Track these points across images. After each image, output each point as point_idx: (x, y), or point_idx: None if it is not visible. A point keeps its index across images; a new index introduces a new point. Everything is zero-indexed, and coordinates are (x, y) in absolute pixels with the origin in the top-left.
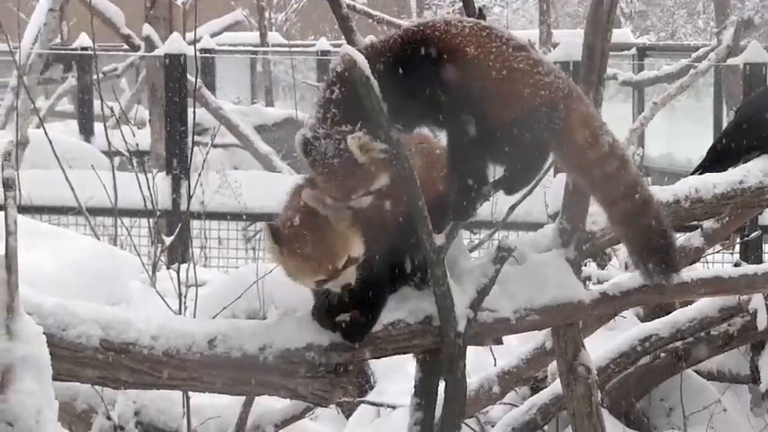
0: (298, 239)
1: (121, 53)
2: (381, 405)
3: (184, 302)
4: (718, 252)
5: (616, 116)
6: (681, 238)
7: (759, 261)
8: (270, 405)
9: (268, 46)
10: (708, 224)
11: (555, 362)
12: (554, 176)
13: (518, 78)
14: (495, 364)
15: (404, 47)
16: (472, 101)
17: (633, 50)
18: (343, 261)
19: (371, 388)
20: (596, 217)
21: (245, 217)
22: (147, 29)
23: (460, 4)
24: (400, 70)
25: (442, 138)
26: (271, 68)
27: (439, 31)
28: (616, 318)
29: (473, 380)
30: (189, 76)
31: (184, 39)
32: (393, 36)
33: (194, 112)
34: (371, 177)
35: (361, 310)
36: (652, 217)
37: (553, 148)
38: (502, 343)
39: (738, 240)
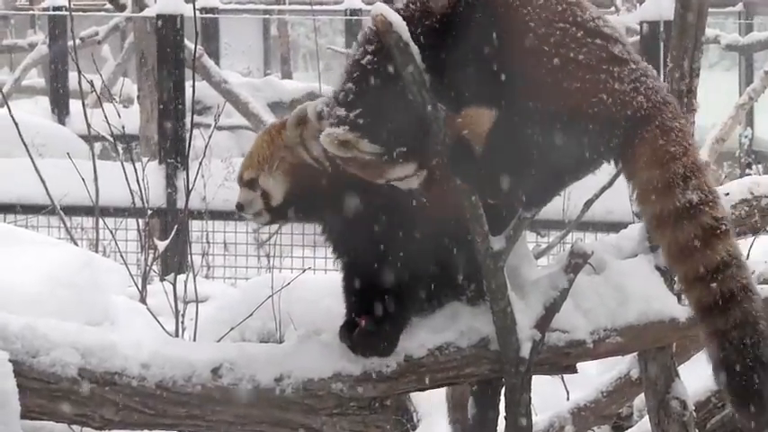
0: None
1: (103, 14)
2: None
3: (182, 322)
4: None
5: (718, 88)
6: None
7: None
8: None
9: (285, 4)
10: None
11: (642, 395)
12: None
13: (570, 73)
14: (567, 398)
15: (456, 8)
16: (518, 86)
17: (740, 6)
18: (248, 175)
19: (414, 428)
20: None
21: None
22: None
23: None
24: (446, 36)
25: None
26: (288, 32)
27: None
28: None
29: (541, 417)
30: (187, 41)
31: None
32: None
33: (194, 87)
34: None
35: (375, 317)
36: (738, 324)
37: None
38: (576, 371)
39: None
